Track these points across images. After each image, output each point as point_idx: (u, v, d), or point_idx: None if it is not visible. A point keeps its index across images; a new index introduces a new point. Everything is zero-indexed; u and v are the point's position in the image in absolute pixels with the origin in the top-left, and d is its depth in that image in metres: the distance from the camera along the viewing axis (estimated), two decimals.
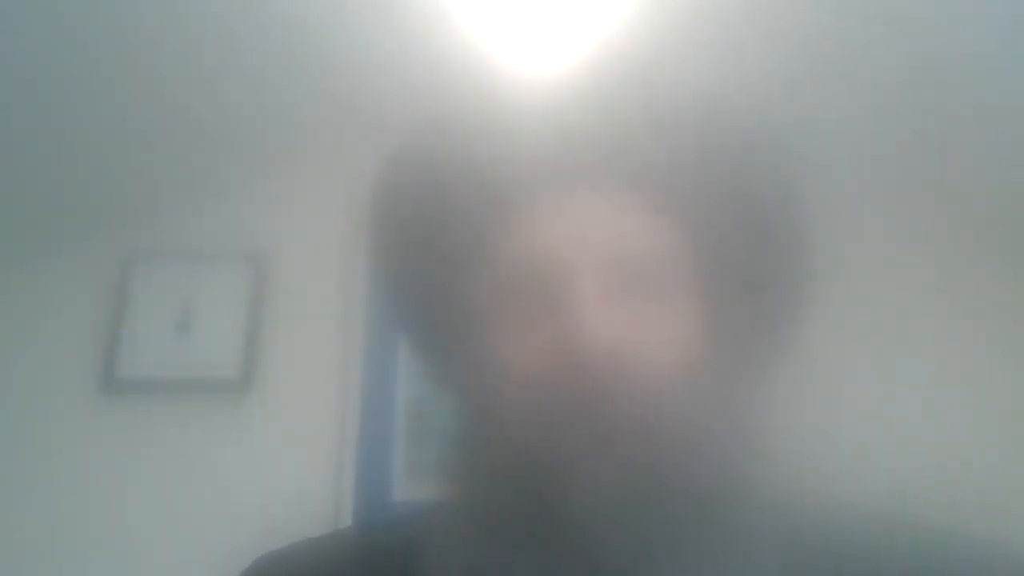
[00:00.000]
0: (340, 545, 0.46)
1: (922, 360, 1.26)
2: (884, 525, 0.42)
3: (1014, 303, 1.29)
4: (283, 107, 1.36)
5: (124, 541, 1.21)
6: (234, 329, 1.36)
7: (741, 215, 0.43)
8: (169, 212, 1.45)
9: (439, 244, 0.45)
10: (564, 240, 0.42)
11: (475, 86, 0.48)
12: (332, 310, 1.37)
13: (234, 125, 1.35)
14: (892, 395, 1.20)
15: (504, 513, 0.38)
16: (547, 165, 0.42)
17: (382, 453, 1.28)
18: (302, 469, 1.27)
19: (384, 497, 1.25)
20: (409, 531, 0.46)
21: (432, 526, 0.43)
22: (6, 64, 1.08)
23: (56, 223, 1.38)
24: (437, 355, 0.49)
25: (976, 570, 0.41)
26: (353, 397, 1.32)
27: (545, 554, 0.36)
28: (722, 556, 0.37)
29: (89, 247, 1.43)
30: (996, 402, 1.23)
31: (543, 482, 0.36)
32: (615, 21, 1.02)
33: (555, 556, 0.36)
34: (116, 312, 1.38)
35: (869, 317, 1.27)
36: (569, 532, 0.36)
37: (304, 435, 1.30)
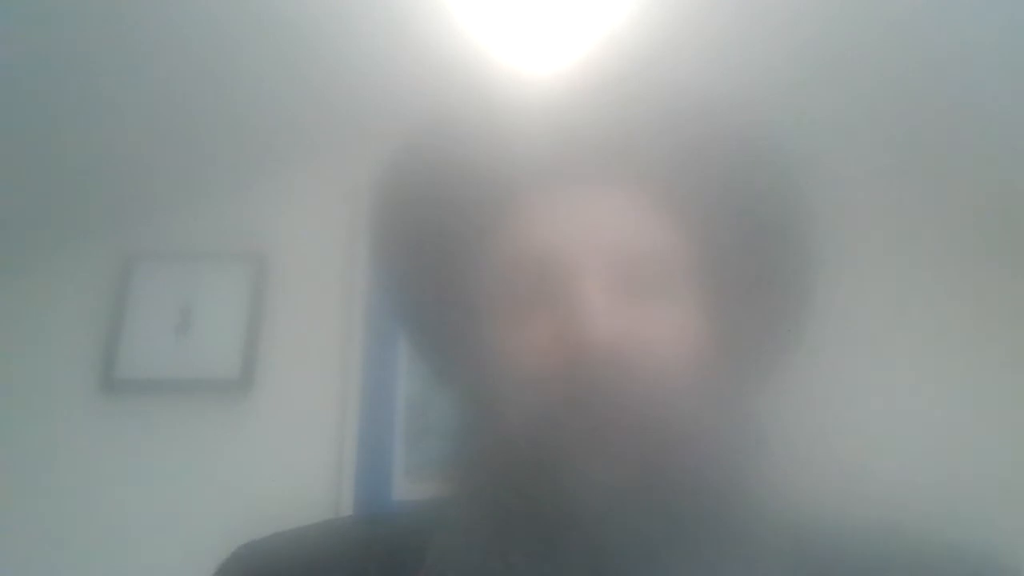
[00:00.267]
0: (321, 534, 0.46)
1: (924, 361, 1.26)
2: (885, 530, 0.42)
3: (1016, 304, 1.29)
4: (283, 107, 1.36)
5: (124, 541, 1.21)
6: (234, 329, 1.36)
7: (742, 213, 0.43)
8: (169, 212, 1.45)
9: (441, 242, 0.45)
10: (566, 237, 0.42)
11: (476, 85, 0.48)
12: (332, 310, 1.37)
13: (234, 125, 1.35)
14: (894, 396, 1.20)
15: (504, 509, 0.38)
16: (548, 163, 0.42)
17: (382, 452, 1.28)
18: (302, 468, 1.26)
19: (384, 496, 1.25)
20: (397, 523, 0.46)
21: (416, 519, 0.43)
22: (6, 64, 1.08)
23: (56, 223, 1.38)
24: (439, 352, 0.49)
25: None
26: (353, 397, 1.32)
27: (545, 550, 0.36)
28: (724, 555, 0.37)
29: (89, 247, 1.43)
30: (1000, 406, 1.22)
31: (543, 479, 0.36)
32: (616, 20, 1.02)
33: (555, 552, 0.36)
34: (116, 312, 1.38)
35: (870, 318, 1.27)
36: (570, 529, 0.36)
37: (304, 435, 1.30)
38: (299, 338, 1.37)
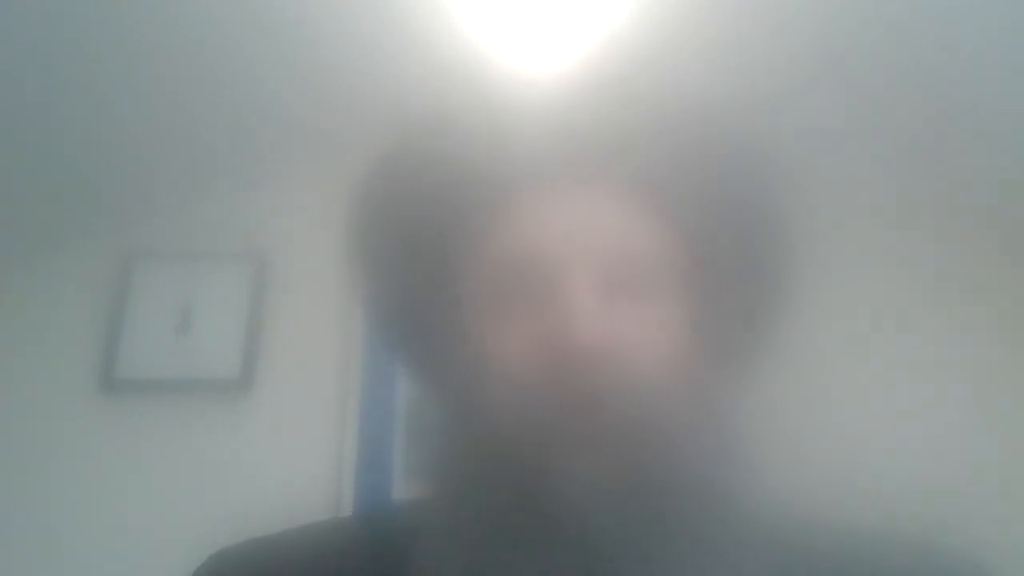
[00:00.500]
0: (295, 540, 0.46)
1: (920, 362, 1.26)
2: (874, 531, 0.42)
3: (1015, 304, 1.29)
4: (283, 107, 1.36)
5: (124, 540, 1.21)
6: (234, 329, 1.36)
7: (730, 216, 0.43)
8: (169, 212, 1.45)
9: (425, 242, 0.45)
10: (553, 238, 0.41)
11: (475, 84, 0.48)
12: (332, 310, 1.36)
13: (234, 125, 1.35)
14: (889, 397, 1.20)
15: (493, 510, 0.37)
16: (540, 163, 0.42)
17: (382, 452, 1.28)
18: (302, 468, 1.27)
19: (384, 496, 1.25)
20: (382, 524, 0.46)
21: (404, 519, 0.43)
22: (6, 64, 1.08)
23: (56, 223, 1.38)
24: (425, 354, 0.49)
25: None
26: (353, 396, 1.32)
27: (535, 551, 0.36)
28: (712, 554, 0.37)
29: (89, 247, 1.43)
30: (996, 407, 1.22)
31: (532, 479, 0.36)
32: (615, 20, 1.02)
33: (545, 553, 0.36)
34: (116, 312, 1.38)
35: (867, 319, 1.27)
36: (559, 529, 0.35)
37: (304, 434, 1.30)
38: (299, 338, 1.37)
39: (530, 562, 0.36)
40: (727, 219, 0.43)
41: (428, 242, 0.45)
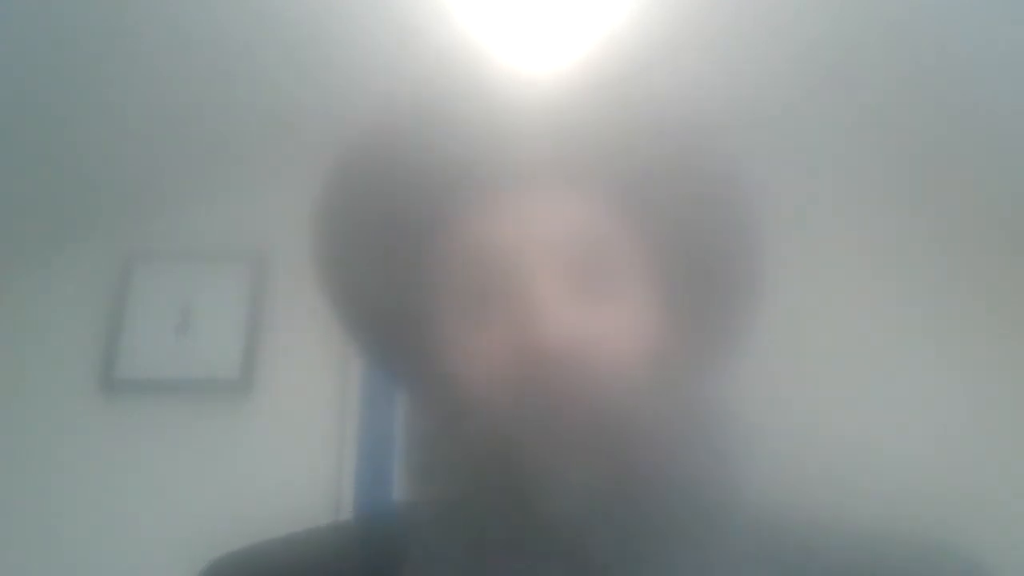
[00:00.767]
0: (299, 544, 0.46)
1: (919, 360, 1.26)
2: (867, 530, 0.42)
3: (1015, 304, 1.29)
4: (283, 107, 1.36)
5: (124, 541, 1.21)
6: (234, 329, 1.36)
7: (709, 221, 0.43)
8: (169, 212, 1.45)
9: (394, 241, 0.44)
10: (518, 238, 0.41)
11: (465, 83, 0.47)
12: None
13: (235, 126, 1.35)
14: (887, 395, 1.20)
15: (474, 514, 0.37)
16: (517, 163, 0.42)
17: (383, 452, 1.28)
18: (302, 469, 1.26)
19: (384, 497, 1.25)
20: (381, 528, 0.46)
21: (393, 525, 0.42)
22: (5, 64, 1.08)
23: (56, 223, 1.38)
24: (397, 357, 0.48)
25: None
26: (353, 397, 1.32)
27: (518, 554, 0.36)
28: (697, 552, 0.36)
29: (89, 247, 1.43)
30: (996, 407, 1.22)
31: (510, 482, 0.36)
32: (610, 22, 1.01)
33: (529, 556, 0.36)
34: (116, 312, 1.38)
35: (867, 318, 1.27)
36: (540, 532, 0.35)
37: (304, 435, 1.30)
38: (299, 338, 1.37)
39: (520, 566, 0.35)
40: (705, 223, 0.43)
41: (395, 240, 0.44)
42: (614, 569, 0.35)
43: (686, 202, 0.43)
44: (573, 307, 0.39)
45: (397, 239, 0.44)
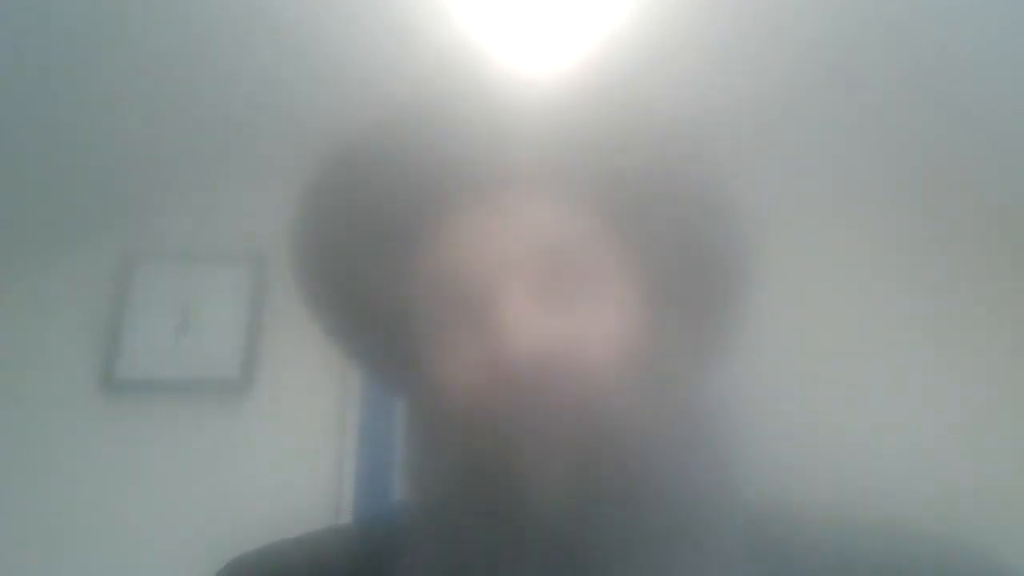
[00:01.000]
0: (316, 545, 0.46)
1: (920, 359, 1.26)
2: (862, 527, 0.42)
3: (1015, 304, 1.29)
4: (284, 107, 1.36)
5: (124, 541, 1.21)
6: (234, 329, 1.37)
7: (700, 221, 0.43)
8: (169, 212, 1.45)
9: (371, 249, 0.44)
10: (488, 249, 0.41)
11: (465, 84, 0.47)
12: None
13: (235, 126, 1.35)
14: (889, 394, 1.20)
15: (460, 519, 0.37)
16: (506, 163, 0.42)
17: (383, 452, 1.28)
18: (302, 469, 1.27)
19: (384, 497, 1.25)
20: (384, 533, 0.46)
21: (404, 528, 0.42)
22: (5, 64, 1.08)
23: (56, 223, 1.38)
24: (377, 364, 0.48)
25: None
26: (353, 397, 1.32)
27: (505, 562, 0.36)
28: (684, 553, 0.36)
29: (89, 247, 1.43)
30: (996, 404, 1.23)
31: (494, 492, 0.36)
32: (593, 24, 1.01)
33: (515, 564, 0.35)
34: (116, 312, 1.38)
35: (867, 317, 1.27)
36: (526, 540, 0.35)
37: (304, 435, 1.30)
38: (299, 338, 1.37)
39: (499, 571, 0.35)
40: (700, 225, 0.43)
41: (382, 242, 0.44)
42: (607, 570, 0.35)
43: (683, 204, 0.43)
44: (538, 313, 0.39)
45: (385, 241, 0.44)
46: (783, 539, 0.39)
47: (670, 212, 0.43)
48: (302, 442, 1.29)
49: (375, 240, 0.44)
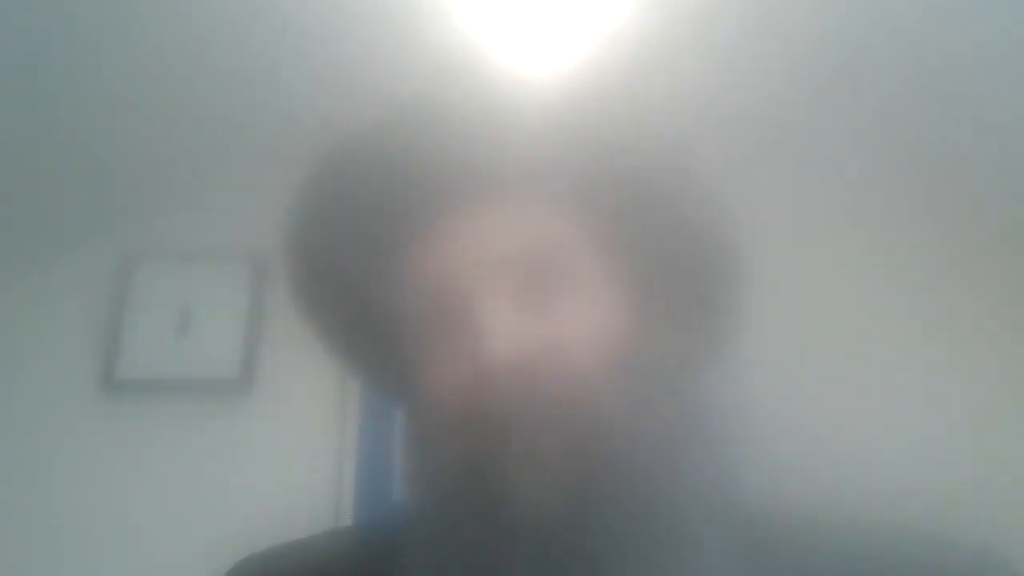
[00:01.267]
0: (322, 547, 0.46)
1: (921, 358, 1.26)
2: (859, 526, 0.42)
3: (1015, 304, 1.29)
4: (283, 107, 1.36)
5: (125, 541, 1.21)
6: (234, 329, 1.37)
7: (697, 223, 0.43)
8: (169, 212, 1.45)
9: (366, 252, 0.44)
10: (468, 254, 0.41)
11: (465, 84, 0.47)
12: None
13: (235, 125, 1.35)
14: (888, 394, 1.20)
15: (459, 520, 0.37)
16: (505, 163, 0.42)
17: (383, 452, 1.28)
18: (302, 469, 1.27)
19: (384, 497, 1.25)
20: (386, 535, 0.46)
21: (407, 530, 0.42)
22: (5, 64, 1.08)
23: (56, 223, 1.38)
24: (371, 368, 0.48)
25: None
26: (353, 397, 1.32)
27: (500, 561, 0.36)
28: (674, 555, 0.36)
29: (89, 247, 1.43)
30: (996, 404, 1.23)
31: (484, 497, 0.36)
32: (593, 24, 1.01)
33: (511, 562, 0.35)
34: (116, 312, 1.38)
35: (867, 317, 1.27)
36: (523, 538, 0.35)
37: (304, 435, 1.30)
38: (299, 338, 1.37)
39: (503, 571, 0.35)
40: (697, 227, 0.43)
41: (357, 254, 0.44)
42: (605, 571, 0.35)
43: (680, 205, 0.43)
44: (518, 316, 0.39)
45: (381, 243, 0.44)
46: (781, 539, 0.39)
47: (668, 214, 0.43)
48: (302, 442, 1.29)
49: (371, 242, 0.44)
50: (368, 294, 0.44)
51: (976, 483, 1.09)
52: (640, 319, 0.40)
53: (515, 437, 0.35)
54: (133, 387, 1.33)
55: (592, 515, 0.34)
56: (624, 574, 0.35)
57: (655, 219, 0.42)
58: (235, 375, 1.33)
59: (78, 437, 1.30)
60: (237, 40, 1.19)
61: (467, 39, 1.06)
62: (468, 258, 0.40)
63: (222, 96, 1.29)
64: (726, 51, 1.09)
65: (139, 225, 1.44)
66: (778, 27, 1.16)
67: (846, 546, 0.40)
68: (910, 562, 0.40)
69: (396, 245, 0.43)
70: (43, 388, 1.33)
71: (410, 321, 0.42)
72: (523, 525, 0.34)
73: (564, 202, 0.41)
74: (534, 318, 0.38)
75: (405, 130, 0.43)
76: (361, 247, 0.44)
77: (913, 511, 0.43)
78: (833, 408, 1.08)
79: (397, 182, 0.42)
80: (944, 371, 1.24)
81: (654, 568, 0.35)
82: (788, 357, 0.93)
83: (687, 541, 0.36)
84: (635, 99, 0.45)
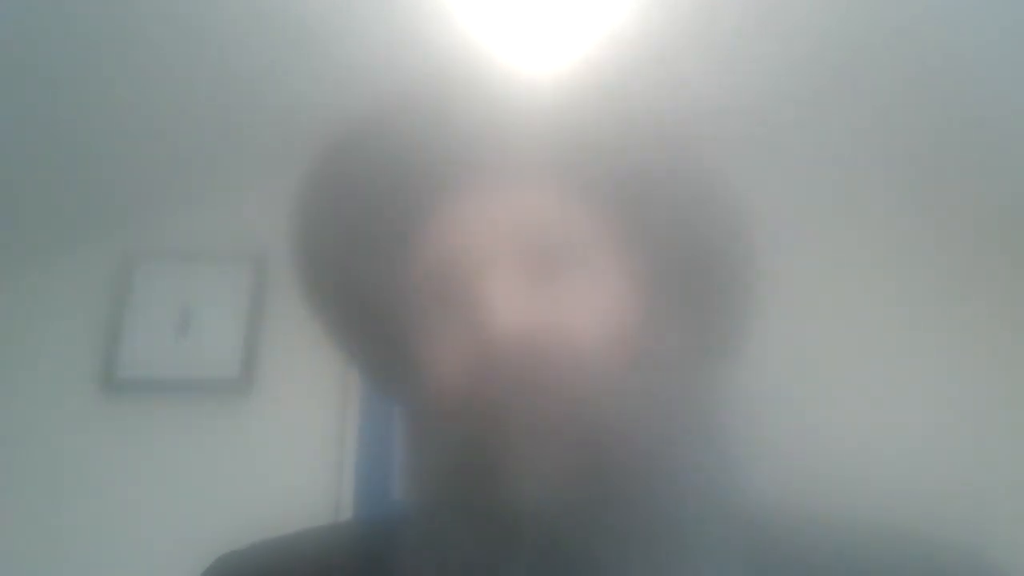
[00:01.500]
0: (304, 543, 0.46)
1: (921, 357, 1.26)
2: (858, 527, 0.42)
3: (1015, 304, 1.29)
4: (284, 108, 1.36)
5: (124, 540, 1.21)
6: (234, 329, 1.37)
7: (696, 219, 0.43)
8: (169, 212, 1.45)
9: (365, 238, 0.44)
10: (471, 235, 0.41)
11: (465, 84, 0.47)
12: None
13: (235, 126, 1.35)
14: (890, 392, 1.20)
15: (453, 514, 0.37)
16: (504, 161, 0.42)
17: (383, 451, 1.28)
18: (302, 469, 1.27)
19: (384, 497, 1.25)
20: (387, 529, 0.46)
21: (397, 525, 0.42)
22: (6, 64, 1.08)
23: (57, 223, 1.38)
24: (374, 359, 0.48)
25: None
26: (353, 396, 1.32)
27: (497, 553, 0.35)
28: (676, 547, 0.36)
29: (89, 247, 1.43)
30: (994, 405, 1.23)
31: (486, 481, 0.36)
32: (593, 24, 1.01)
33: (507, 555, 0.35)
34: (116, 312, 1.38)
35: (868, 315, 1.27)
36: (518, 530, 0.35)
37: (304, 435, 1.30)
38: (299, 338, 1.37)
39: (496, 564, 0.35)
40: (696, 223, 0.43)
41: (364, 240, 0.44)
42: (606, 569, 0.35)
43: (680, 201, 0.43)
44: (521, 297, 0.39)
45: (383, 237, 0.44)
46: (781, 539, 0.39)
47: (668, 210, 0.43)
48: (302, 442, 1.29)
49: (373, 236, 0.44)
50: (373, 283, 0.44)
51: (975, 484, 1.10)
52: (642, 311, 0.40)
53: (516, 427, 0.35)
54: (133, 387, 1.33)
55: (592, 510, 0.34)
56: (624, 571, 0.35)
57: (656, 215, 0.42)
58: (235, 375, 1.33)
59: (78, 436, 1.30)
60: (237, 40, 1.19)
61: (467, 39, 1.06)
62: (471, 243, 0.40)
63: (223, 96, 1.29)
64: (726, 51, 1.09)
65: (139, 225, 1.44)
66: (778, 27, 1.16)
67: (845, 546, 0.40)
68: (908, 563, 0.40)
69: (400, 234, 0.43)
70: (44, 388, 1.33)
71: (415, 309, 0.42)
72: (523, 519, 0.34)
73: (577, 197, 0.41)
74: (537, 303, 0.39)
75: (407, 122, 0.44)
76: (365, 237, 0.44)
77: (912, 511, 0.43)
78: (833, 408, 1.08)
79: (400, 172, 0.42)
80: (944, 372, 1.24)
81: (654, 565, 0.35)
82: (788, 357, 0.93)
83: (687, 539, 0.36)
84: (635, 98, 0.45)
